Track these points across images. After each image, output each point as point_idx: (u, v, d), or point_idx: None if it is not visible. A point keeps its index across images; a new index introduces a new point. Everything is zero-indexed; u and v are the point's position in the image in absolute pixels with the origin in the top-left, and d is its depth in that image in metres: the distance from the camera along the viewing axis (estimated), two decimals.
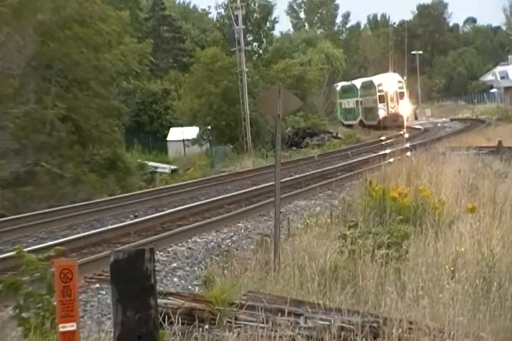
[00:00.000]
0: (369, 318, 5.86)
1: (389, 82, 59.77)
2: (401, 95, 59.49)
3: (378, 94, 59.77)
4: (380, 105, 59.11)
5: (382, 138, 46.45)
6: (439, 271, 7.49)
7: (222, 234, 14.30)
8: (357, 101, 66.50)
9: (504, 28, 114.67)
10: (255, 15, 50.66)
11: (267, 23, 52.03)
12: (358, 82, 68.64)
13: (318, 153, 36.44)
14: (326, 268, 7.97)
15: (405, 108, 59.65)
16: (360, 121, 64.73)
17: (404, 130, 53.26)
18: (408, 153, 21.59)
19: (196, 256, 12.50)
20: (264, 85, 41.94)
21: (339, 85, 73.09)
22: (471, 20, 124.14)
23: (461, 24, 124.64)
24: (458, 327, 5.77)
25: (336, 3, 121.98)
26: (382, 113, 58.42)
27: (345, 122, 67.96)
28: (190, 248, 13.15)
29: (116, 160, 32.19)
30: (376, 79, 62.52)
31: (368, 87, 63.57)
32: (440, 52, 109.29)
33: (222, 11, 51.37)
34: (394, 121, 56.90)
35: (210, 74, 42.09)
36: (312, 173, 25.19)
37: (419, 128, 56.17)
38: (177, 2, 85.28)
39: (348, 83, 72.10)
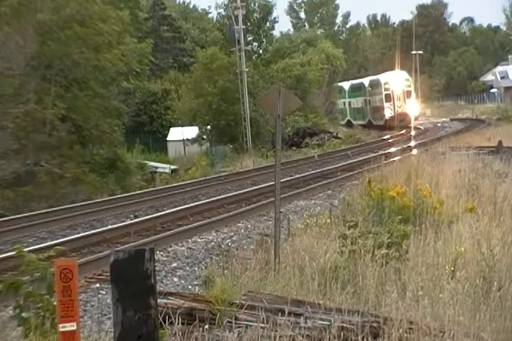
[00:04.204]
0: (369, 318, 5.86)
1: (396, 80, 58.05)
2: (408, 94, 57.62)
3: (385, 92, 58.16)
4: (386, 104, 57.62)
5: (383, 138, 46.46)
6: (439, 271, 7.49)
7: (222, 234, 14.31)
8: (365, 101, 64.80)
9: (504, 28, 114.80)
10: (255, 15, 50.60)
11: (267, 23, 51.93)
12: (366, 81, 67.13)
13: (318, 152, 36.43)
14: (326, 268, 7.97)
15: (413, 107, 58.28)
16: (369, 121, 63.23)
17: (404, 131, 53.12)
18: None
19: (196, 256, 12.50)
20: (264, 85, 41.90)
21: (348, 84, 71.21)
22: (469, 19, 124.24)
23: (458, 24, 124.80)
24: (458, 327, 5.77)
25: (336, 3, 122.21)
26: (388, 112, 57.05)
27: (355, 122, 66.28)
28: (190, 248, 13.15)
29: (116, 160, 32.19)
30: (383, 78, 60.88)
31: (375, 85, 61.86)
32: (440, 52, 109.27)
33: (222, 10, 51.37)
34: (401, 121, 55.55)
35: (209, 74, 42.09)
36: (312, 173, 25.19)
37: (420, 128, 55.98)
38: (177, 2, 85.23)
39: (357, 81, 70.59)
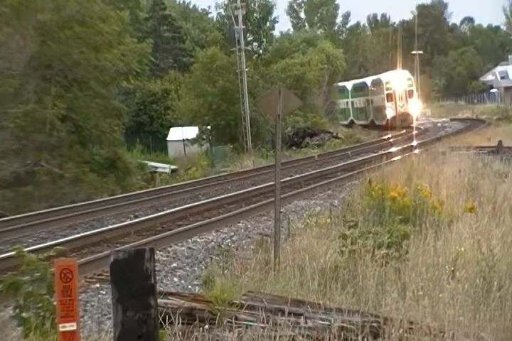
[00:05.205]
0: (369, 318, 5.86)
1: (397, 79, 57.40)
2: (410, 93, 57.07)
3: (386, 92, 57.50)
4: (388, 104, 57.02)
5: (383, 137, 46.43)
6: (439, 271, 7.48)
7: (222, 234, 14.31)
8: (367, 100, 64.37)
9: (504, 28, 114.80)
10: (255, 15, 50.61)
11: (267, 23, 51.93)
12: (368, 80, 66.62)
13: (318, 152, 36.42)
14: (326, 268, 7.97)
15: (415, 107, 57.69)
16: (372, 121, 62.71)
17: (404, 130, 53.04)
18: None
19: (196, 256, 12.50)
20: (264, 85, 41.90)
21: (350, 83, 70.80)
22: (469, 19, 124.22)
23: (458, 24, 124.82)
24: (458, 327, 5.77)
25: (336, 3, 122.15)
26: (390, 112, 56.36)
27: (357, 122, 65.81)
28: (190, 248, 13.16)
29: (116, 160, 32.17)
30: (384, 77, 60.32)
31: (377, 84, 61.34)
32: (440, 52, 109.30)
33: (222, 10, 51.39)
34: (403, 121, 55.01)
35: (209, 74, 42.10)
36: (312, 173, 25.19)
37: (420, 128, 55.86)
38: (177, 2, 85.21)
39: (360, 81, 70.05)
